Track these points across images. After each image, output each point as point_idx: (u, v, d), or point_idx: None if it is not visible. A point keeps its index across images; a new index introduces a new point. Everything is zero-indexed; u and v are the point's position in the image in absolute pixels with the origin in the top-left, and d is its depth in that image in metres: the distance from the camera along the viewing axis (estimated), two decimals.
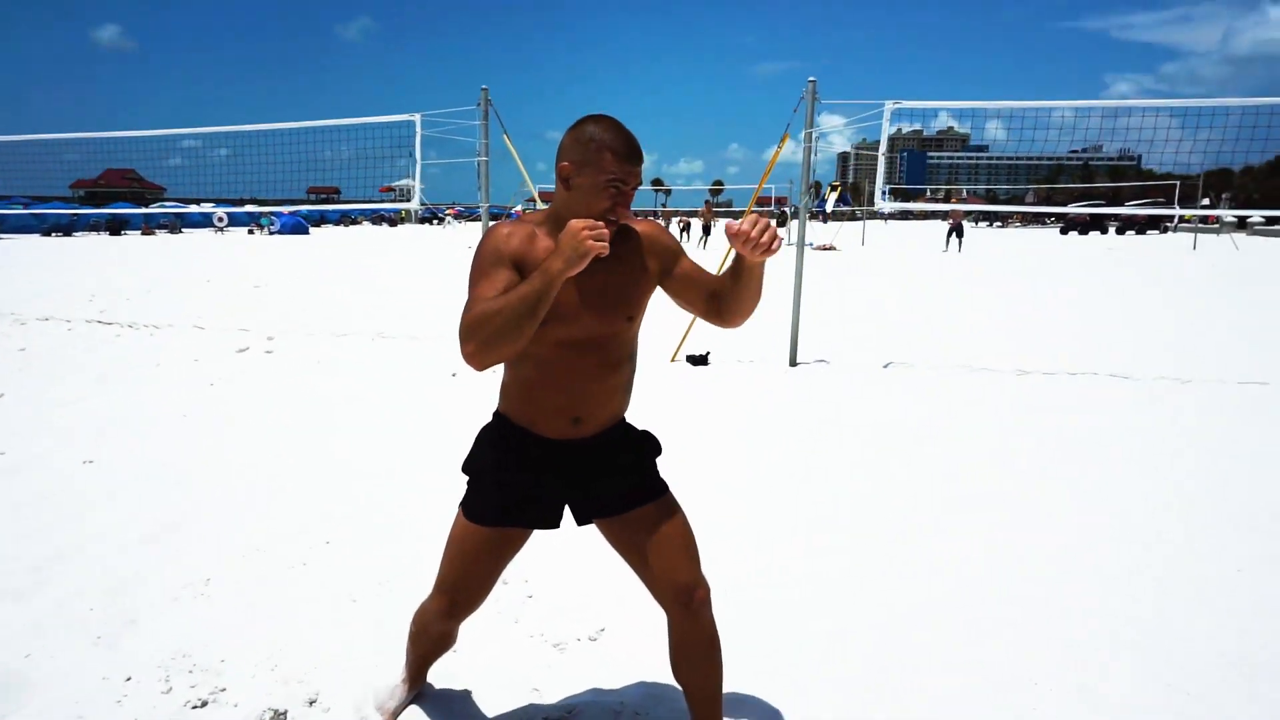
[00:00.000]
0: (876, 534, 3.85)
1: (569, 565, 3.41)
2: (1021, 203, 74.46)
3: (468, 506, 2.12)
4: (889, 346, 9.07)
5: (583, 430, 2.03)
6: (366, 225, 59.39)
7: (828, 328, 10.23)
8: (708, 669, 2.12)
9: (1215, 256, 27.64)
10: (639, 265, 2.01)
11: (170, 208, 41.87)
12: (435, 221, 63.64)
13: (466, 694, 2.53)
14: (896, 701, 2.53)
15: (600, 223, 1.78)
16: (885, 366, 8.02)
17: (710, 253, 27.54)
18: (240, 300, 13.13)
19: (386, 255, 25.77)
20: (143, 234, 39.06)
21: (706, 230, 30.72)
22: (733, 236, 1.82)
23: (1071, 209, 45.37)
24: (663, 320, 10.94)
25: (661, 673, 2.64)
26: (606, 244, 1.76)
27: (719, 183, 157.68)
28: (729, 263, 2.02)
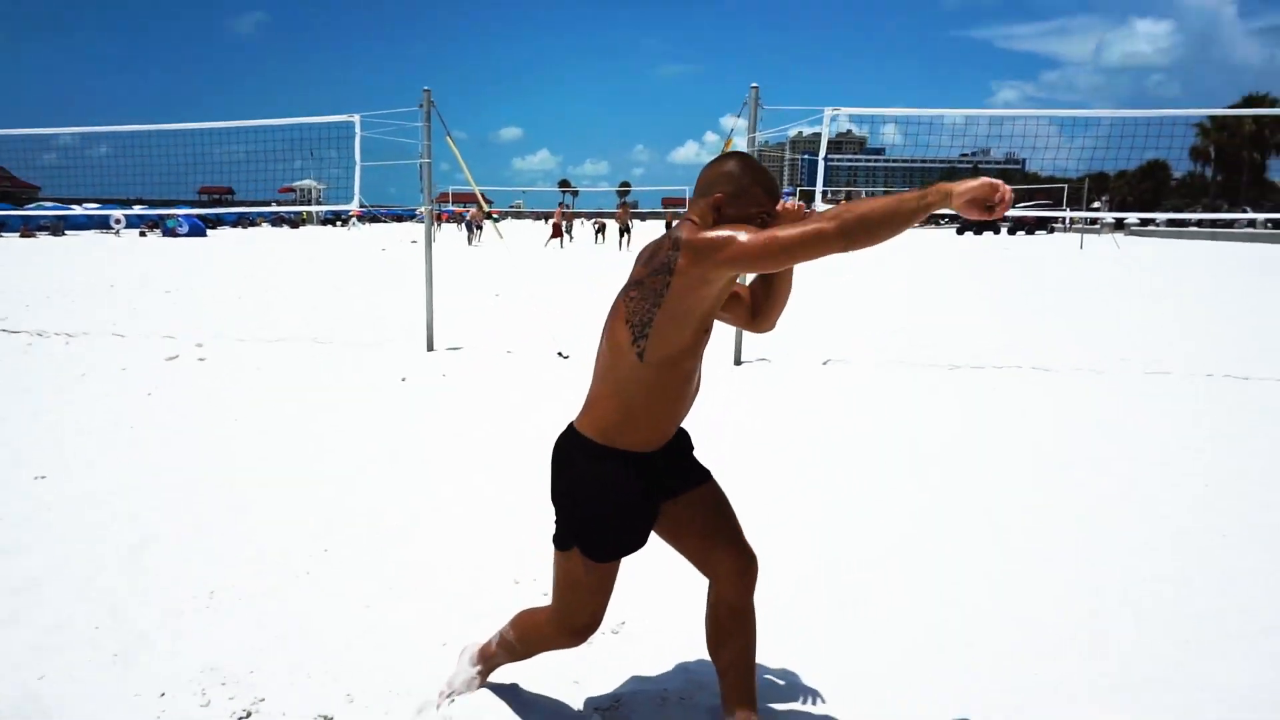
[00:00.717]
0: (832, 528, 4.04)
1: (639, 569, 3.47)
2: None
3: (596, 549, 2.09)
4: (827, 344, 9.40)
5: (670, 437, 2.15)
6: (265, 226, 57.20)
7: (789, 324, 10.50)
8: (746, 640, 2.25)
9: (1102, 255, 29.51)
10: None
11: (49, 209, 39.35)
12: (338, 223, 61.85)
13: (514, 687, 2.57)
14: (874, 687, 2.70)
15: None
16: (825, 364, 8.32)
17: (630, 254, 27.75)
18: (153, 306, 12.56)
19: (297, 258, 24.96)
20: (22, 236, 36.63)
21: (624, 231, 30.79)
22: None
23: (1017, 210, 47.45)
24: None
25: (696, 660, 2.76)
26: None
27: (626, 184, 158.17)
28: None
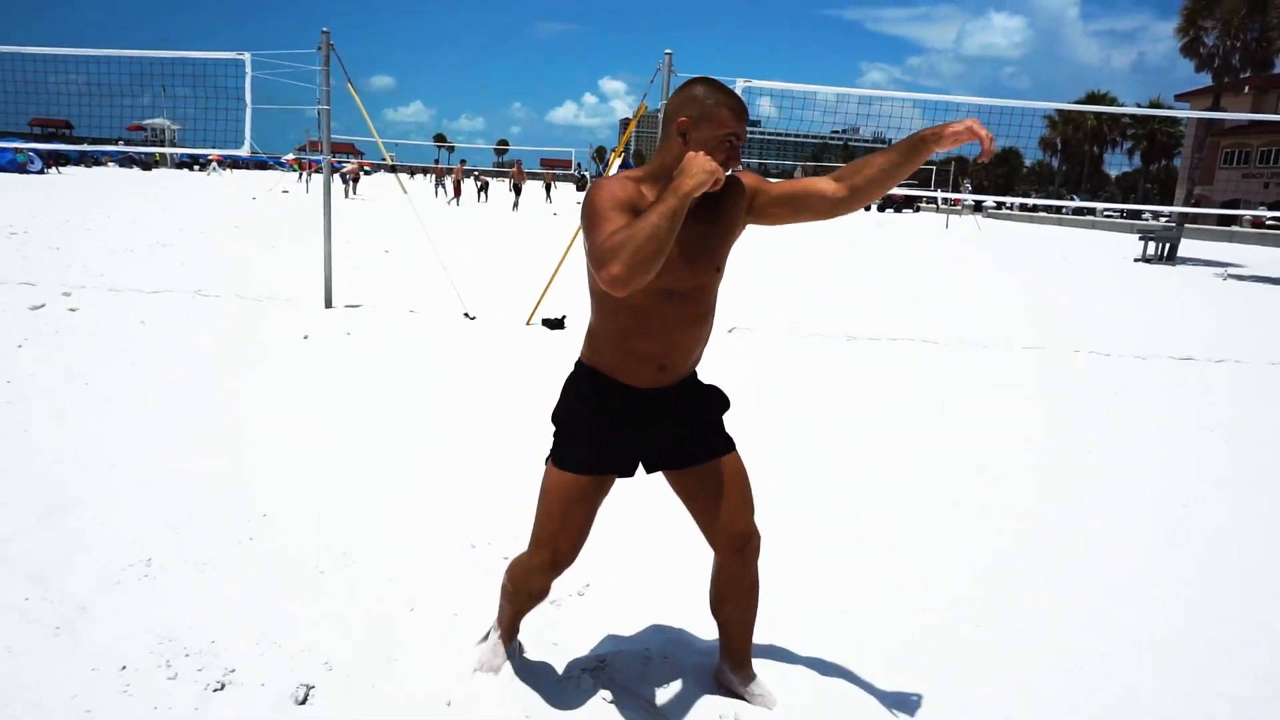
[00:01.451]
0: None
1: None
2: (792, 177, 79.42)
3: (561, 457, 2.16)
4: (730, 311, 9.61)
5: (666, 379, 2.12)
6: (113, 166, 52.71)
7: None
8: (748, 605, 2.36)
9: (966, 234, 31.30)
10: (735, 218, 2.13)
11: None
12: (196, 167, 57.71)
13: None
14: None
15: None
16: (730, 331, 8.51)
17: (523, 214, 27.30)
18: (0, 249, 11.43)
19: (158, 204, 23.17)
20: None
21: (517, 190, 29.96)
22: (968, 131, 1.95)
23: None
24: (519, 282, 10.95)
25: (667, 620, 2.83)
26: (724, 174, 1.88)
27: (504, 142, 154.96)
28: (895, 150, 2.06)
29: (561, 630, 2.75)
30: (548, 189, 29.99)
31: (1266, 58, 23.61)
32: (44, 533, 3.18)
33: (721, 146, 1.97)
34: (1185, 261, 23.40)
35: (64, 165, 43.93)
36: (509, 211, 27.81)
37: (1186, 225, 26.45)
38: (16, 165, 35.00)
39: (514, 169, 30.31)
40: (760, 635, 2.48)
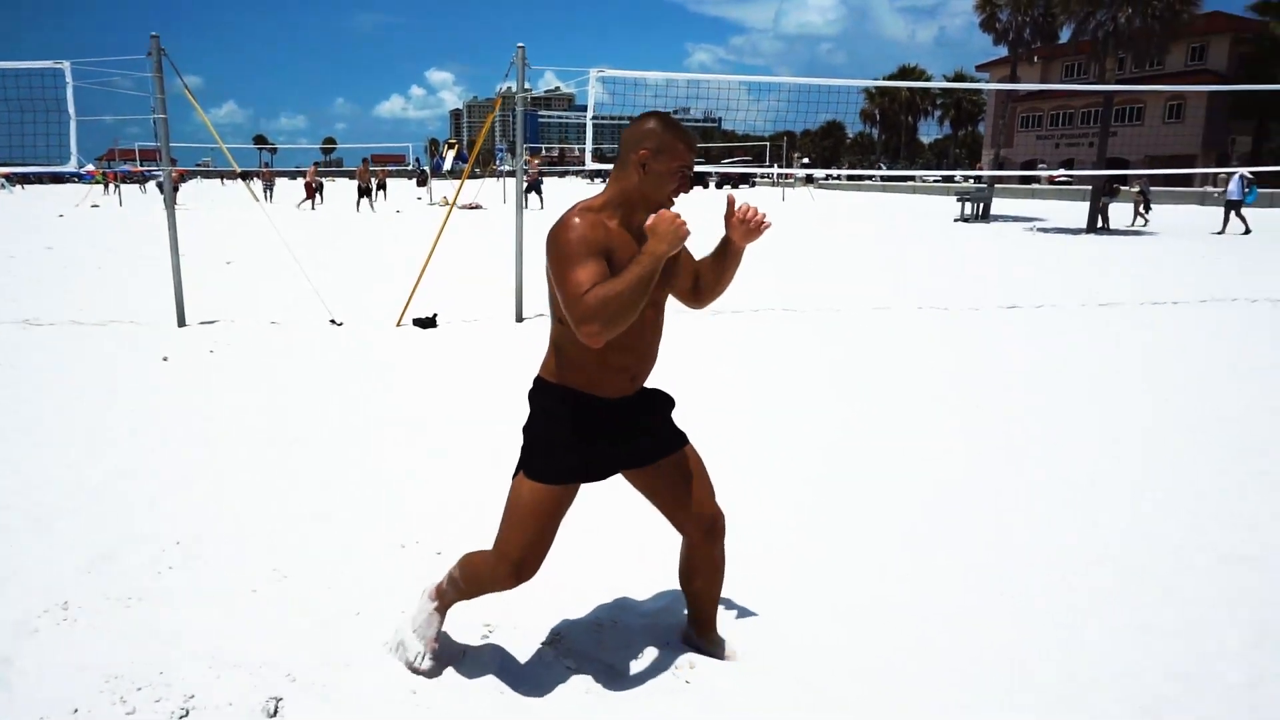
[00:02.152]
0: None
1: (460, 517, 3.55)
2: None
3: (538, 471, 2.24)
4: None
5: (634, 387, 2.30)
6: None
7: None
8: (716, 578, 2.57)
9: (802, 205, 32.79)
10: None
11: None
12: None
13: (444, 636, 2.62)
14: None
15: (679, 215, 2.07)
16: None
17: (383, 219, 26.35)
18: None
19: None
20: None
21: (364, 192, 28.60)
22: (737, 222, 2.25)
23: (720, 166, 49.98)
24: (379, 283, 10.67)
25: (607, 594, 2.99)
26: (689, 233, 2.08)
27: (330, 140, 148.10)
28: (712, 247, 2.38)
29: (513, 611, 2.86)
30: (381, 187, 28.75)
31: (1052, 30, 26.11)
32: None
33: (675, 176, 2.14)
34: (998, 219, 25.57)
35: None
36: (354, 213, 26.80)
37: (995, 185, 28.82)
38: None
39: (361, 168, 29.01)
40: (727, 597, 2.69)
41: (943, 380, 6.09)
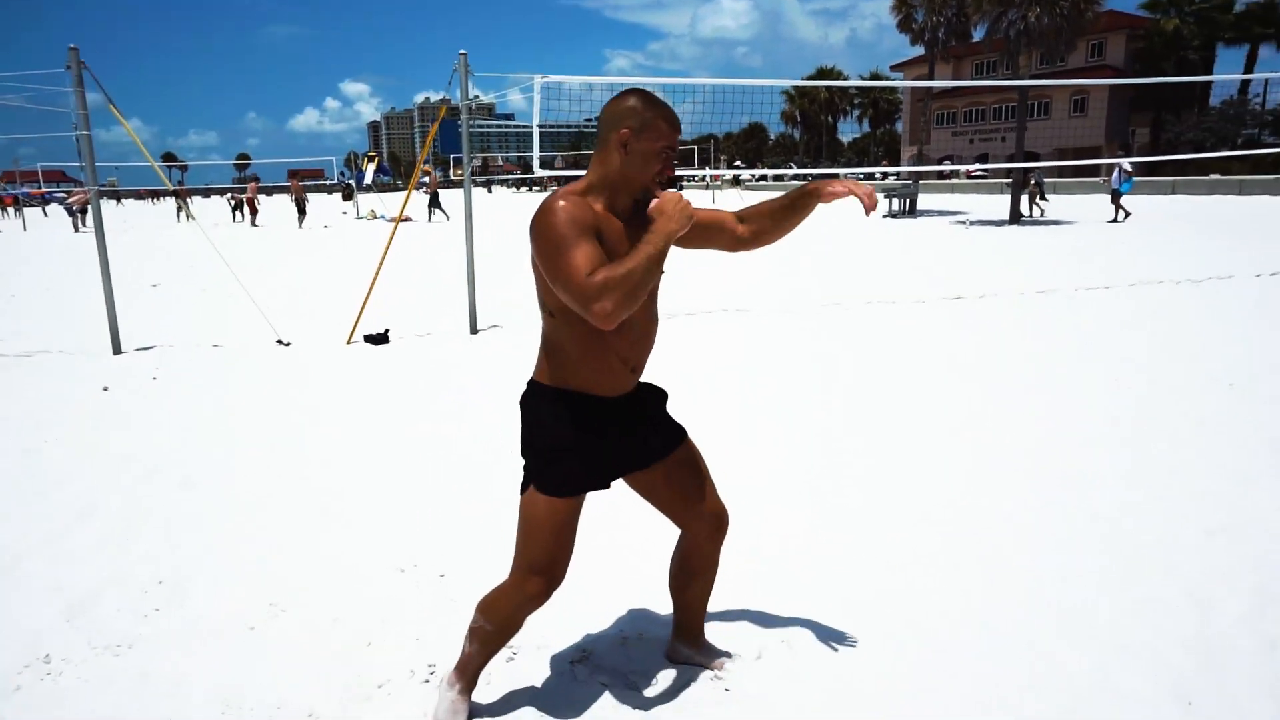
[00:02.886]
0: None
1: (454, 536, 3.44)
2: (554, 167, 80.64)
3: (550, 483, 2.12)
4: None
5: (633, 381, 2.20)
6: None
7: (501, 292, 10.55)
8: (711, 581, 2.49)
9: (733, 207, 33.04)
10: None
11: None
12: None
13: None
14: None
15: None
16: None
17: (314, 235, 25.63)
18: None
19: None
20: None
21: (301, 209, 27.48)
22: (860, 194, 2.16)
23: None
24: (323, 301, 10.35)
25: (627, 607, 2.93)
26: (695, 214, 2.02)
27: (244, 156, 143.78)
28: (785, 201, 2.31)
29: (535, 632, 2.77)
30: (300, 204, 27.09)
31: (966, 29, 26.96)
32: None
33: (660, 157, 2.05)
34: (925, 213, 26.28)
35: None
36: (292, 229, 25.99)
37: (919, 181, 29.60)
38: None
39: (294, 184, 28.01)
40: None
41: (906, 373, 6.20)
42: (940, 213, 26.72)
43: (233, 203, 33.15)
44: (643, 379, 2.30)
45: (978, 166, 40.83)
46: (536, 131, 8.47)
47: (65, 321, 9.21)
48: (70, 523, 3.76)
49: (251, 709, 2.39)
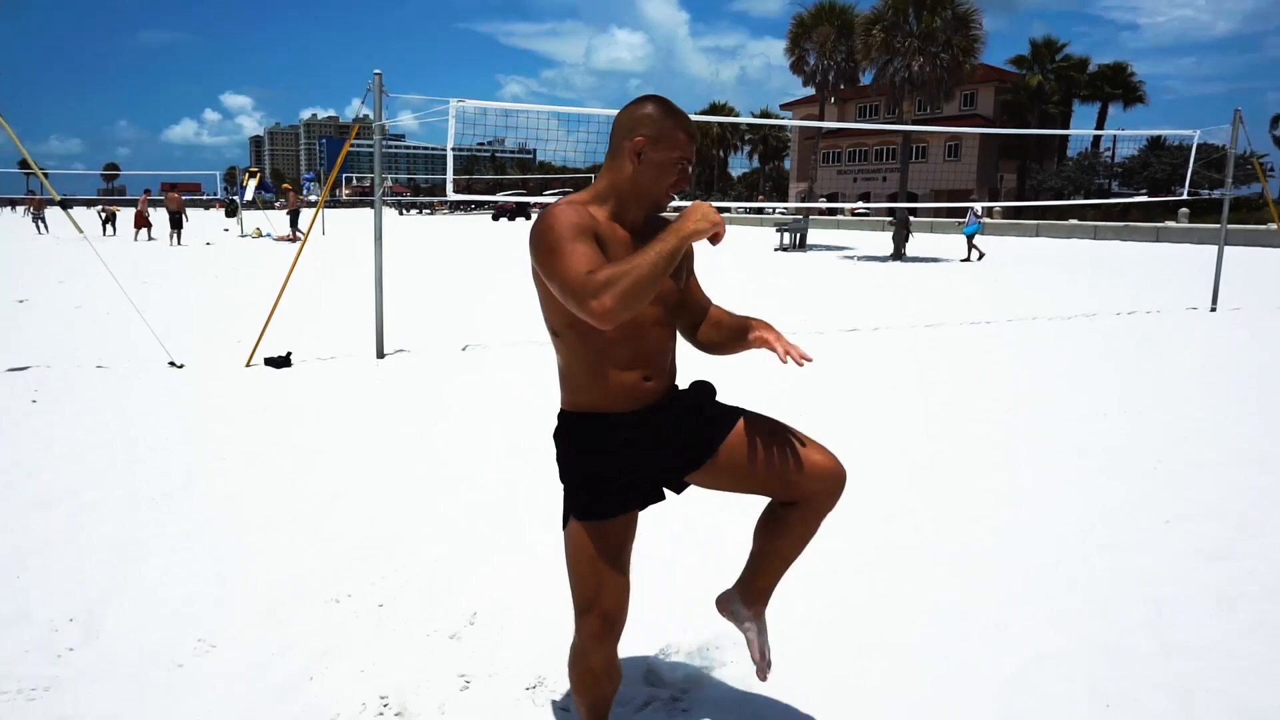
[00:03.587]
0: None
1: (382, 564, 3.37)
2: (443, 191, 79.57)
3: (587, 510, 2.02)
4: (466, 329, 9.59)
5: (653, 387, 2.05)
6: None
7: (407, 314, 10.32)
8: (805, 538, 2.18)
9: None
10: None
11: None
12: None
13: (422, 691, 2.50)
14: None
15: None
16: (464, 349, 8.52)
17: (197, 252, 24.38)
18: None
19: None
20: None
21: (176, 224, 25.77)
22: (779, 349, 2.03)
23: (500, 197, 50.10)
24: (216, 320, 9.90)
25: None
26: (723, 228, 1.90)
27: (113, 166, 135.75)
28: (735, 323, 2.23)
29: (488, 659, 2.75)
30: (175, 221, 25.06)
31: (854, 75, 28.41)
32: None
33: (675, 169, 1.95)
34: (814, 248, 27.32)
35: None
36: (170, 245, 24.60)
37: (808, 216, 30.79)
38: None
39: (172, 197, 26.34)
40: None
41: (807, 404, 6.43)
42: (828, 247, 27.84)
43: (104, 215, 31.18)
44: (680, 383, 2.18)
45: (861, 205, 42.80)
46: (451, 155, 8.42)
47: (359, 329, 8.35)
48: None
49: None
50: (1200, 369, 7.86)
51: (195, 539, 3.70)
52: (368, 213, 53.86)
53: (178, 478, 4.51)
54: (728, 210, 52.35)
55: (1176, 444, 5.28)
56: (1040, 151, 50.16)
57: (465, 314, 11.09)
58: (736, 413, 2.14)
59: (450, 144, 8.26)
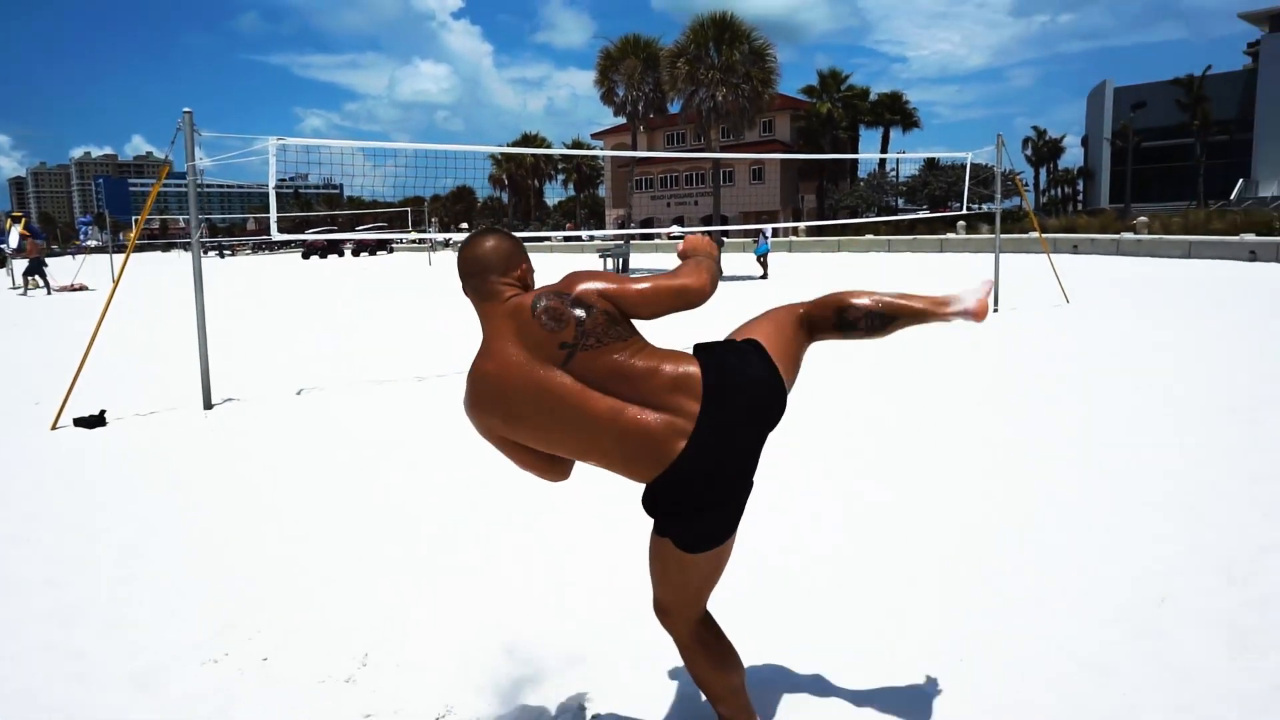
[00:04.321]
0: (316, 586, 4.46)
1: (244, 621, 3.26)
2: (245, 231, 75.39)
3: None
4: (299, 372, 9.17)
5: (635, 477, 2.25)
6: None
7: (232, 360, 9.70)
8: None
9: (452, 268, 32.93)
10: None
11: None
12: None
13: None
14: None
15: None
16: (299, 393, 8.18)
17: (51, 297, 21.60)
18: None
19: None
20: None
21: (38, 269, 22.76)
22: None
23: (310, 235, 47.96)
24: (11, 380, 8.90)
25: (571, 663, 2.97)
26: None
27: None
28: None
29: (472, 694, 2.73)
30: None
31: (662, 105, 29.62)
32: None
33: (520, 284, 2.26)
34: (636, 272, 27.98)
35: None
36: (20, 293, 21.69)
37: (630, 242, 31.61)
38: None
39: (29, 243, 23.57)
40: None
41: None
42: (652, 271, 28.59)
43: None
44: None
45: (677, 228, 44.36)
46: (273, 194, 8.10)
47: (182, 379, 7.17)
48: None
49: None
50: (992, 363, 8.84)
51: (31, 617, 3.40)
52: (160, 257, 49.80)
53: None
54: (548, 240, 52.73)
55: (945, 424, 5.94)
56: (836, 173, 54.14)
57: (295, 356, 10.60)
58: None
59: (272, 183, 7.94)
